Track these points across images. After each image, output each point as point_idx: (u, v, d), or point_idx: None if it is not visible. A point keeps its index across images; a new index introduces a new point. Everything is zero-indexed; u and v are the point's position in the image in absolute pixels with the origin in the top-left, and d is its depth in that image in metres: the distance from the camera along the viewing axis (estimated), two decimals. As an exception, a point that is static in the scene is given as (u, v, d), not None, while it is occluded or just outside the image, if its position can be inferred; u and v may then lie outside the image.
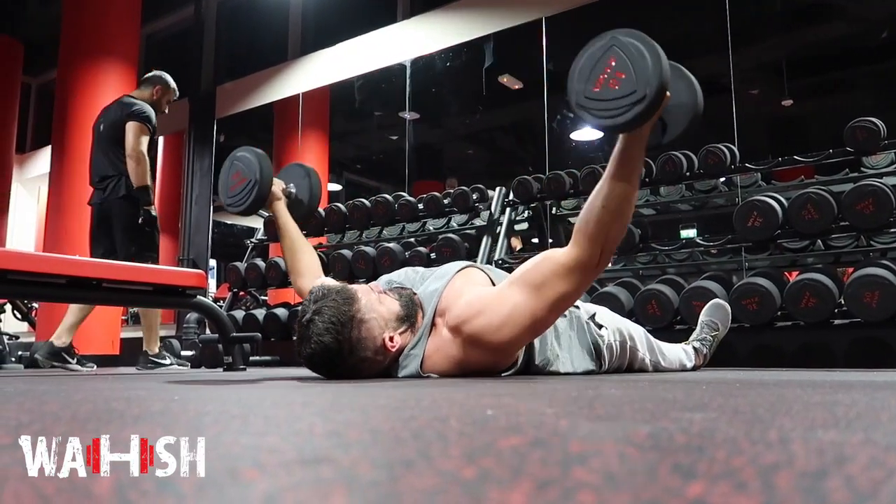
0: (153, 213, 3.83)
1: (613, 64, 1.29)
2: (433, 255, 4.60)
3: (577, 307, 1.94)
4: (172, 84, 4.25)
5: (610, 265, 4.94)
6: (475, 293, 1.54)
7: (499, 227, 4.48)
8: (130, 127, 3.82)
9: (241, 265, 5.75)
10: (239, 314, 5.31)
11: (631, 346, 2.10)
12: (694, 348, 2.55)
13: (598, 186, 1.40)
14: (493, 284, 1.69)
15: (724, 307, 2.60)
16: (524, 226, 5.24)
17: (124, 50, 6.16)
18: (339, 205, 5.40)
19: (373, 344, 1.47)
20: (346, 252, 5.08)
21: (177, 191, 8.52)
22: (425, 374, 1.53)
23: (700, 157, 3.85)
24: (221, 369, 3.12)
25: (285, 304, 5.53)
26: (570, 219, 5.08)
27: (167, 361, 3.97)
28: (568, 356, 1.79)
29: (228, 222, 16.06)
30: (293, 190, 2.23)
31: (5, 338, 5.16)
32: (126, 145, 3.81)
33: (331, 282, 1.55)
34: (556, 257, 1.45)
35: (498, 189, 4.69)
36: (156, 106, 4.09)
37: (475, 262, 4.26)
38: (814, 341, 3.03)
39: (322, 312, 1.42)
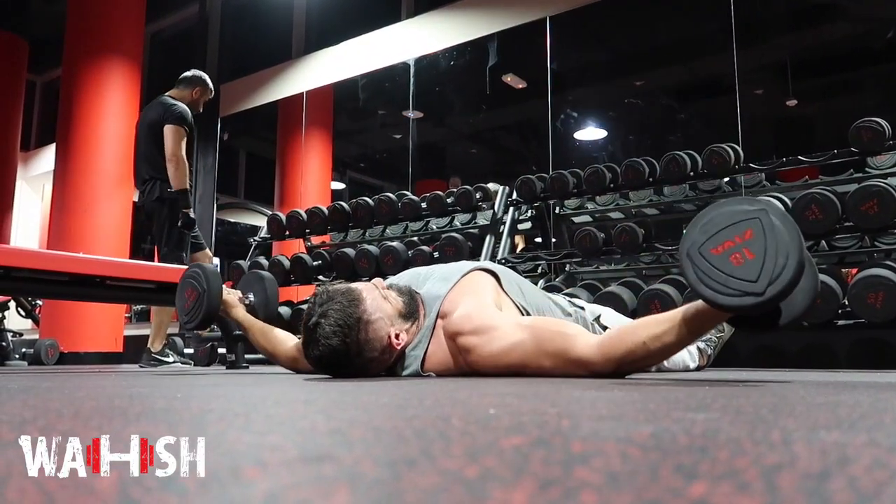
0: (192, 215, 3.90)
1: (748, 239, 1.11)
2: (436, 254, 4.60)
3: (583, 308, 1.94)
4: (210, 84, 4.30)
5: (613, 265, 4.97)
6: (483, 309, 1.52)
7: (502, 227, 4.48)
8: (168, 130, 3.85)
9: (245, 263, 5.76)
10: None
11: None
12: (698, 349, 2.54)
13: (654, 319, 1.31)
14: (503, 288, 1.69)
15: None
16: (527, 225, 5.24)
17: (129, 48, 6.16)
18: (342, 204, 5.41)
19: (379, 344, 1.47)
20: (350, 251, 5.08)
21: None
22: (426, 374, 1.53)
23: (704, 157, 3.85)
24: (224, 367, 3.13)
25: (288, 303, 5.54)
26: (573, 218, 5.08)
27: (170, 359, 3.98)
28: None
29: (232, 220, 16.11)
30: (251, 298, 2.28)
31: (9, 335, 5.18)
32: (165, 149, 3.84)
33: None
34: (576, 343, 1.39)
35: (501, 188, 4.69)
36: (193, 106, 4.13)
37: (479, 260, 4.27)
38: (817, 342, 3.02)
39: (328, 315, 1.42)
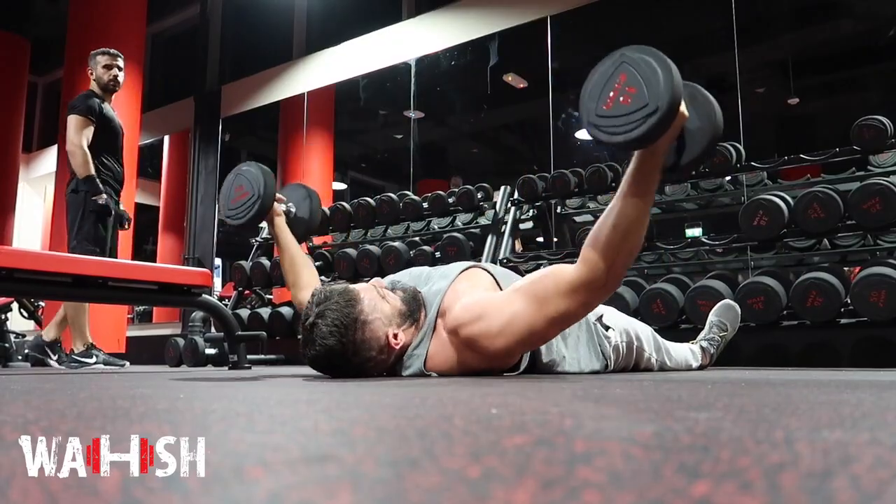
0: (101, 202, 3.74)
1: (624, 80, 1.25)
2: (438, 254, 4.60)
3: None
4: (96, 53, 4.06)
5: None
6: (475, 297, 1.54)
7: (504, 227, 4.48)
8: (69, 121, 3.79)
9: (247, 264, 5.76)
10: (244, 313, 5.33)
11: (637, 346, 2.10)
12: (701, 347, 2.54)
13: (610, 205, 1.37)
14: (499, 286, 1.69)
15: (734, 308, 2.59)
16: (529, 224, 5.23)
17: (130, 49, 6.16)
18: (343, 204, 5.41)
19: (377, 343, 1.47)
20: (351, 251, 5.08)
21: (182, 190, 8.54)
22: (428, 373, 1.53)
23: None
24: (227, 367, 3.13)
25: (290, 303, 5.55)
26: (574, 217, 5.08)
27: (92, 360, 3.85)
28: (575, 357, 1.79)
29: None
30: (293, 209, 2.27)
31: (12, 336, 5.18)
32: (67, 140, 3.79)
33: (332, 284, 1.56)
34: (562, 273, 1.42)
35: (503, 188, 4.69)
36: (101, 85, 3.98)
37: (480, 261, 4.27)
38: (819, 341, 3.02)
39: (325, 315, 1.42)
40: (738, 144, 3.88)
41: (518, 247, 5.51)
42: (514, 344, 1.47)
